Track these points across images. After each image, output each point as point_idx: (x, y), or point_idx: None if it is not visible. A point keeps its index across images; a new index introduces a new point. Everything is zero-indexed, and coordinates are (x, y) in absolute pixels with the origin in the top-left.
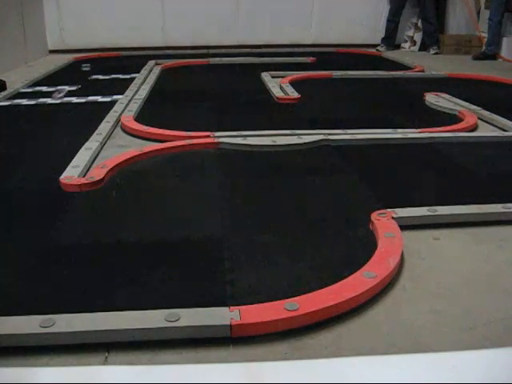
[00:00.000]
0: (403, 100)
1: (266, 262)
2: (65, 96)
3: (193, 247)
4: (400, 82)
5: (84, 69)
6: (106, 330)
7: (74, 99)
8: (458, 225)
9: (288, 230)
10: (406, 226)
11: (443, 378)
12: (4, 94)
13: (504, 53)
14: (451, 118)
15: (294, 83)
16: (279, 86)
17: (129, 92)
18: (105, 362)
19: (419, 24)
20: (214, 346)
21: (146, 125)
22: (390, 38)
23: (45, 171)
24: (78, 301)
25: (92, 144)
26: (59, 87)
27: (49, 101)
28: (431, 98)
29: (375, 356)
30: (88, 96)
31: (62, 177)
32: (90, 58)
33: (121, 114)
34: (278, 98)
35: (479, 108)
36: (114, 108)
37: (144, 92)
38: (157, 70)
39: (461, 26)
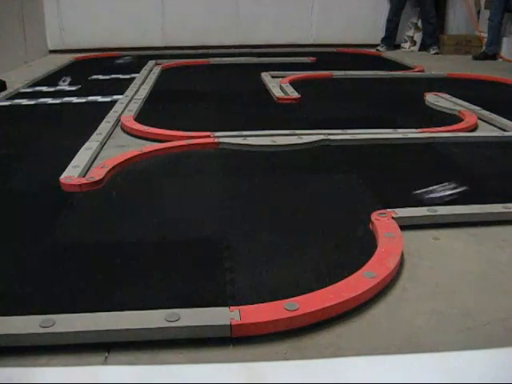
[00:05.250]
0: (403, 100)
1: (265, 261)
2: None
3: (193, 247)
4: (400, 81)
5: (62, 83)
6: (106, 330)
7: (74, 99)
8: (458, 225)
9: (288, 230)
10: (406, 225)
11: (443, 378)
12: (4, 93)
13: (504, 53)
14: (451, 118)
15: (293, 83)
16: (279, 86)
17: (129, 92)
18: (105, 362)
19: (419, 24)
20: (214, 346)
21: (146, 125)
22: (390, 38)
23: (45, 171)
24: (78, 301)
25: (92, 144)
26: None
27: (49, 101)
28: (431, 98)
29: (375, 356)
30: (88, 96)
31: (62, 177)
32: (90, 58)
33: (121, 114)
34: (277, 98)
35: (479, 108)
36: (114, 108)
37: (144, 92)
38: (157, 70)
39: (461, 26)
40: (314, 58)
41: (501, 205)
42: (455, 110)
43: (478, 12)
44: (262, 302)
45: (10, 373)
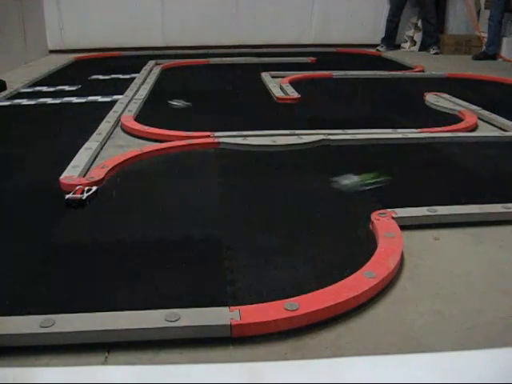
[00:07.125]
0: (403, 100)
1: (266, 261)
2: None
3: (193, 247)
4: (400, 81)
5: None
6: (106, 330)
7: (74, 99)
8: (458, 225)
9: (288, 230)
10: (406, 225)
11: (443, 378)
12: (4, 93)
13: (504, 53)
14: (451, 118)
15: (293, 83)
16: (279, 86)
17: (129, 92)
18: (105, 362)
19: (419, 24)
20: (214, 345)
21: (146, 125)
22: (390, 38)
23: (45, 171)
24: (78, 301)
25: (92, 144)
26: None
27: (49, 101)
28: (431, 98)
29: (375, 356)
30: (88, 96)
31: (62, 177)
32: (90, 58)
33: (121, 114)
34: (277, 97)
35: (479, 108)
36: (114, 108)
37: (144, 92)
38: (157, 70)
39: (461, 26)
40: (314, 58)
41: (500, 205)
42: (455, 110)
43: (478, 12)
44: (262, 302)
45: (10, 373)
